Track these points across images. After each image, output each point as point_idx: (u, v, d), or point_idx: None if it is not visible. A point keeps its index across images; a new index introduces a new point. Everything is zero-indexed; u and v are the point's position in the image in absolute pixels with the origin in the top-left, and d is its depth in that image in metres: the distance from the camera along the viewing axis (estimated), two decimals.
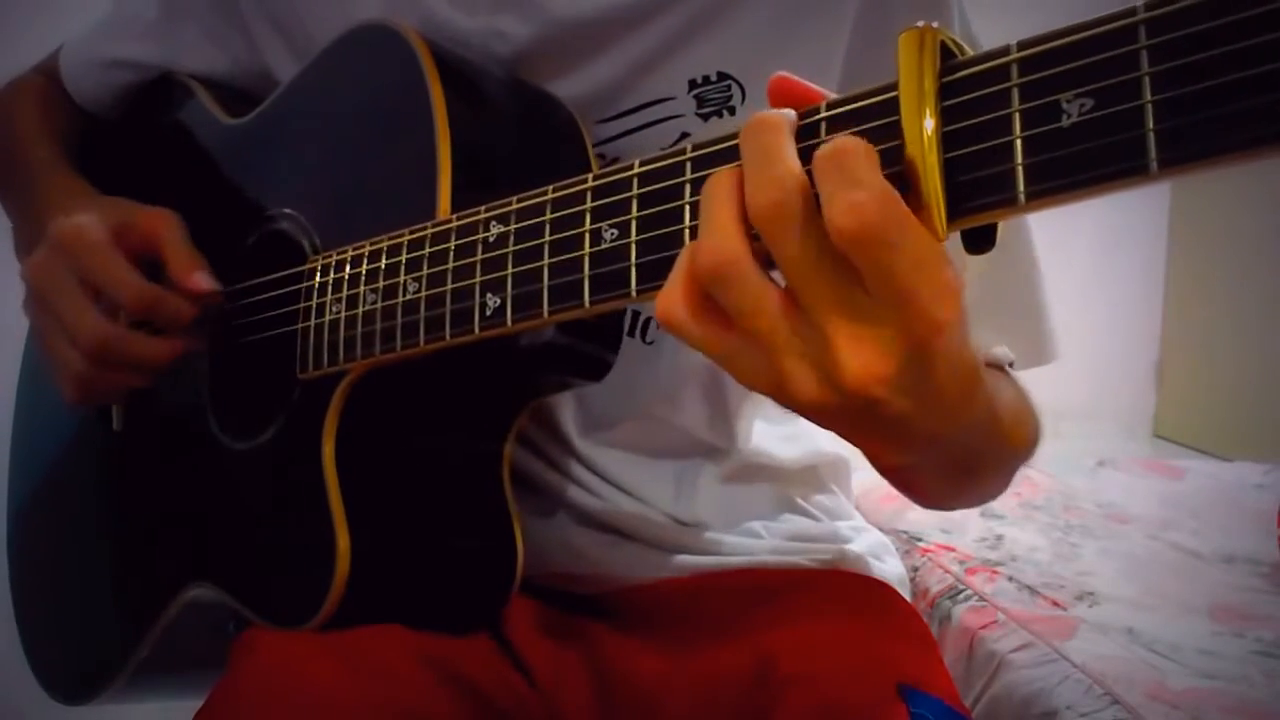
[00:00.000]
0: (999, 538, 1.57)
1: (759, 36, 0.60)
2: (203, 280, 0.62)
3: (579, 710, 0.63)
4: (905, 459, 0.43)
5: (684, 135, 0.62)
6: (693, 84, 0.61)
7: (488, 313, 0.48)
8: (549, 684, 0.64)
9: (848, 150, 0.33)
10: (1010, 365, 0.63)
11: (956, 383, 0.37)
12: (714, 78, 0.61)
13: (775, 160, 0.35)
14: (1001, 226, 0.34)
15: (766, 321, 0.36)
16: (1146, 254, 3.22)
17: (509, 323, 0.47)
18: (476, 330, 0.48)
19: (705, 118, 0.62)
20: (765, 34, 0.60)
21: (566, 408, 0.68)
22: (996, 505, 1.73)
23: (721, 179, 0.37)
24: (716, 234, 0.36)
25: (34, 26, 0.87)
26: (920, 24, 0.33)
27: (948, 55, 0.33)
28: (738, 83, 0.61)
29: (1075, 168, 0.30)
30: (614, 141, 0.63)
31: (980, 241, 0.34)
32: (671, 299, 0.38)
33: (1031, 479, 1.89)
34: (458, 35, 0.63)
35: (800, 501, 0.76)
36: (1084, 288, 2.92)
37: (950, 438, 0.40)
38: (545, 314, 0.45)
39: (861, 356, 0.34)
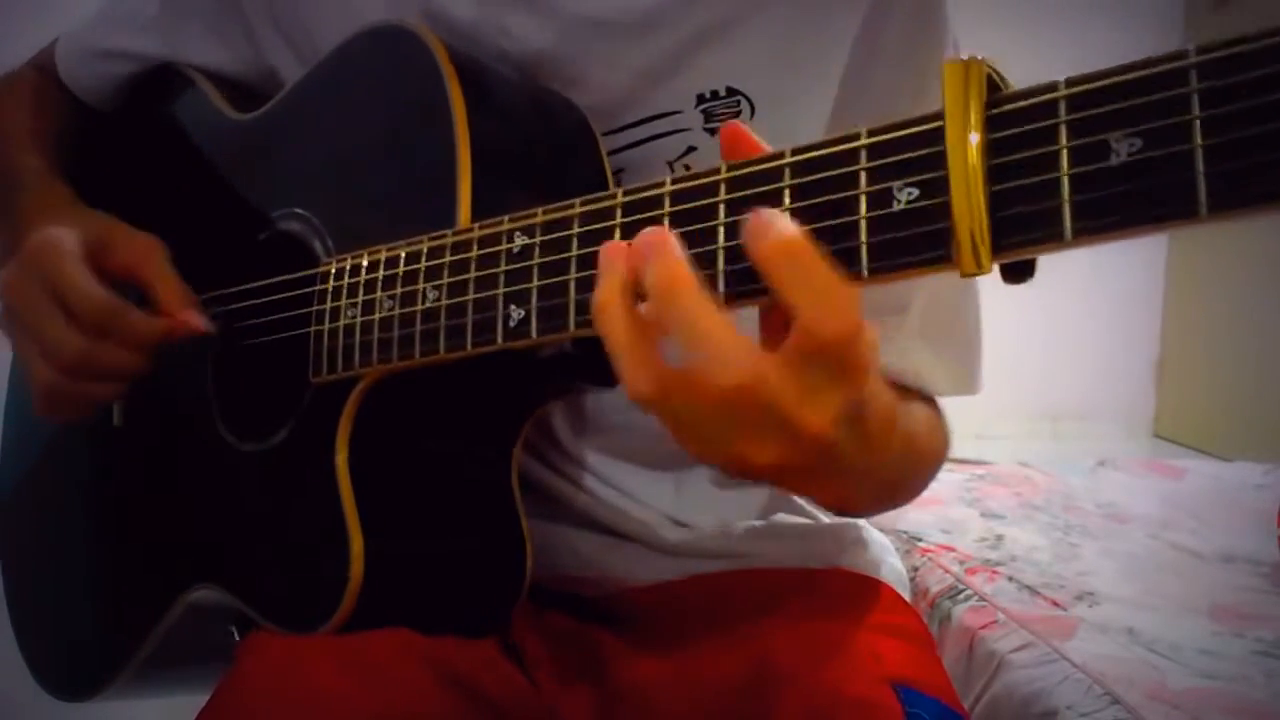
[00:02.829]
0: (999, 538, 1.57)
1: (769, 52, 0.60)
2: (196, 319, 0.63)
3: (580, 712, 0.63)
4: (844, 492, 0.52)
5: (690, 149, 0.62)
6: (700, 98, 0.61)
7: (511, 324, 0.47)
8: (551, 687, 0.64)
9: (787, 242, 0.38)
10: (930, 392, 0.66)
11: (879, 424, 0.44)
12: (723, 92, 0.61)
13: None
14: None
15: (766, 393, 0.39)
16: (1147, 253, 3.23)
17: (534, 334, 0.47)
18: (500, 341, 0.48)
19: (712, 133, 0.62)
20: (775, 50, 0.60)
21: (566, 417, 0.69)
22: (996, 505, 1.74)
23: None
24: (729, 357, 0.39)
25: (34, 26, 0.85)
26: (966, 55, 0.33)
27: (993, 88, 0.33)
28: (746, 98, 0.61)
29: (1124, 208, 0.30)
30: (620, 153, 0.63)
31: (1020, 273, 0.34)
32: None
33: (1031, 479, 1.89)
34: (463, 32, 0.62)
35: (800, 503, 0.76)
36: (1084, 287, 2.93)
37: (880, 469, 0.49)
38: (572, 327, 0.45)
39: (814, 406, 0.39)
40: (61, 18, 0.82)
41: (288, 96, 0.68)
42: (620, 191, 0.44)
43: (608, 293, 0.41)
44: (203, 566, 0.65)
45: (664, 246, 0.39)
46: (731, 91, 0.61)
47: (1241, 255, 2.90)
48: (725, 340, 0.38)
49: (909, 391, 0.64)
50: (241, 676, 0.57)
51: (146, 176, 0.79)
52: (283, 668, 0.56)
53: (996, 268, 0.34)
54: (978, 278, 0.64)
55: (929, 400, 0.65)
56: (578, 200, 0.46)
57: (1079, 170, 0.31)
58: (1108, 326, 3.17)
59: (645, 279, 0.40)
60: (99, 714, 0.80)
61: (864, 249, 0.36)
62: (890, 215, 0.36)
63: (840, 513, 0.69)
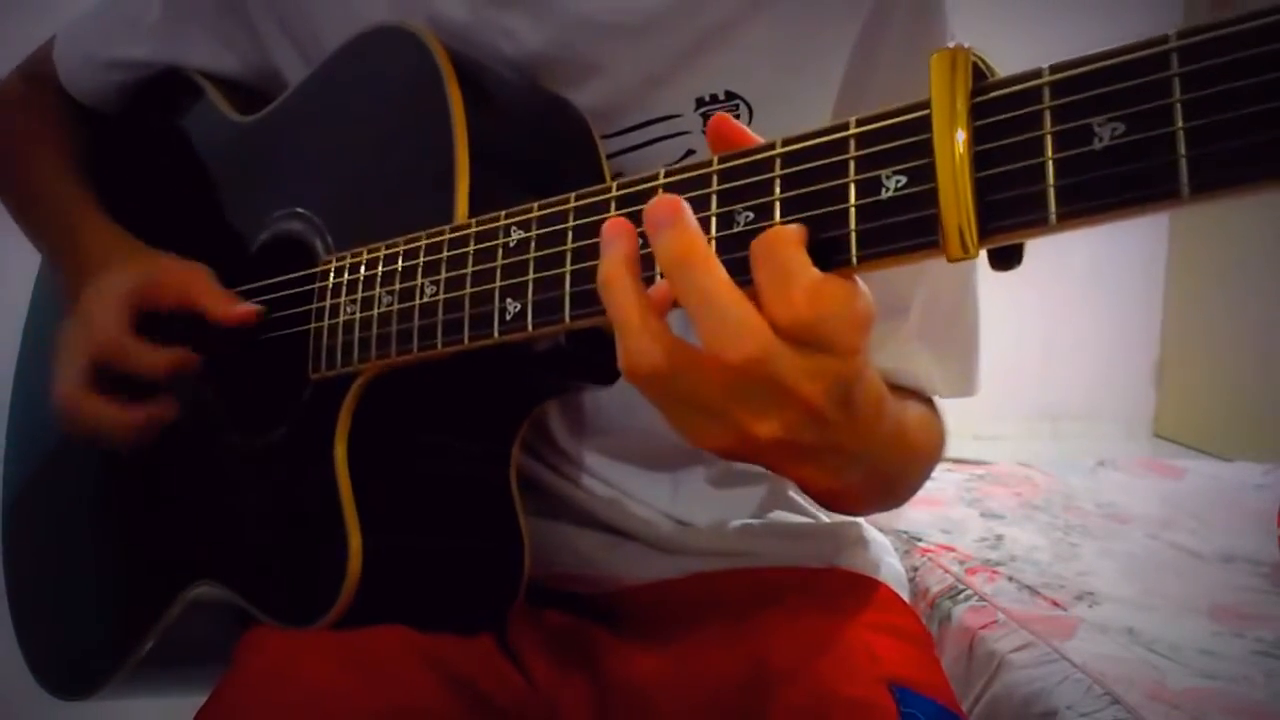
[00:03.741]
0: (999, 538, 1.58)
1: (769, 56, 0.60)
2: (246, 308, 0.64)
3: (578, 710, 0.63)
4: (839, 480, 0.49)
5: (689, 153, 0.62)
6: (700, 102, 0.61)
7: (508, 317, 0.48)
8: (548, 685, 0.64)
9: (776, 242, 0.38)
10: (929, 393, 0.67)
11: (867, 405, 0.44)
12: (722, 96, 0.61)
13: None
14: (959, 270, 0.36)
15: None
16: (1147, 254, 3.24)
17: (529, 328, 0.47)
18: (496, 335, 0.49)
19: None
20: (775, 53, 0.60)
21: (564, 418, 0.69)
22: (996, 505, 1.74)
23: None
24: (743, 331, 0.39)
25: (35, 27, 0.86)
26: (952, 44, 0.34)
27: (979, 76, 0.34)
28: (745, 102, 0.61)
29: (1107, 191, 0.31)
30: (618, 157, 0.63)
31: (1008, 259, 0.35)
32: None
33: (1031, 479, 1.89)
34: (463, 33, 0.62)
35: (799, 501, 0.76)
36: (1084, 287, 2.94)
37: (870, 453, 0.48)
38: (567, 320, 0.45)
39: (811, 377, 0.39)
40: (63, 19, 0.82)
41: (289, 98, 0.69)
42: (614, 185, 0.44)
43: (612, 265, 0.41)
44: (203, 563, 0.65)
45: (677, 216, 0.39)
46: (730, 95, 0.61)
47: (1241, 256, 2.91)
48: (740, 312, 0.38)
49: (906, 391, 0.64)
50: (241, 674, 0.57)
51: (150, 179, 0.80)
52: (282, 666, 0.56)
53: (984, 254, 0.34)
54: (977, 279, 0.66)
55: (925, 400, 0.66)
56: (572, 194, 0.46)
57: (1063, 155, 0.31)
58: (1108, 326, 3.18)
59: (657, 248, 0.39)
60: (98, 714, 0.80)
61: (853, 236, 0.37)
62: (879, 203, 0.36)
63: (837, 508, 0.68)
